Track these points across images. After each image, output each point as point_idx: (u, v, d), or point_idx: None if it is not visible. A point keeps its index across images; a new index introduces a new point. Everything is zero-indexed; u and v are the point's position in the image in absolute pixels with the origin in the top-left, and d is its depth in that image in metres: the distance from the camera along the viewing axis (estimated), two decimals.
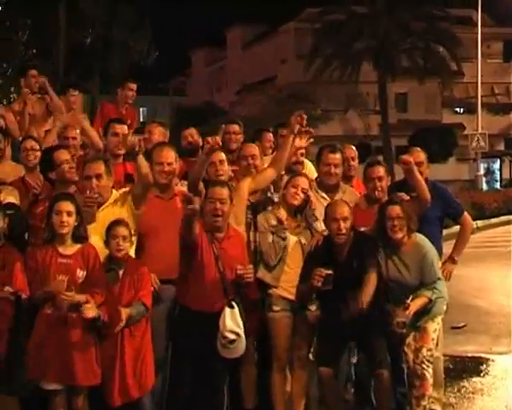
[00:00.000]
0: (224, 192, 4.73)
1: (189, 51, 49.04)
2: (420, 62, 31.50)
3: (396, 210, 4.85)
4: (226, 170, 5.28)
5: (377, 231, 4.96)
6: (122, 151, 5.44)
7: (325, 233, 4.97)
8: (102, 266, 4.59)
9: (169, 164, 5.01)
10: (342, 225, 4.78)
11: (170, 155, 5.06)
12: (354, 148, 5.91)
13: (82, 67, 26.87)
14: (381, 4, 31.27)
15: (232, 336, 4.61)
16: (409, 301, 4.83)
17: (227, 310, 4.64)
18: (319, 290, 4.75)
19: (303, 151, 5.67)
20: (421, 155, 5.54)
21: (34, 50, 26.29)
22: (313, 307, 4.96)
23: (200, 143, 6.01)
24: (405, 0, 31.11)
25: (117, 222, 4.63)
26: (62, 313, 4.37)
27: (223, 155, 5.30)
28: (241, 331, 4.65)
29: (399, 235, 4.86)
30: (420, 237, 4.99)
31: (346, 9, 31.30)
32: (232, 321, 4.62)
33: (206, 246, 4.69)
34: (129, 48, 27.74)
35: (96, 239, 4.68)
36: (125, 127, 5.67)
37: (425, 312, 4.93)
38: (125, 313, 4.51)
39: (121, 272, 4.61)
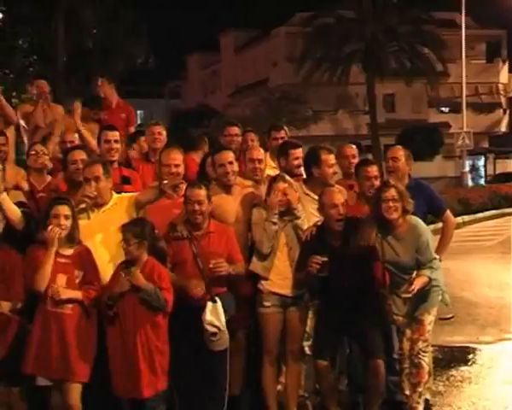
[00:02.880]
0: (201, 193, 4.80)
1: (184, 55, 49.82)
2: (407, 64, 32.11)
3: (391, 192, 4.93)
4: (235, 170, 5.25)
5: (373, 214, 5.00)
6: (115, 158, 5.59)
7: (319, 223, 5.04)
8: (119, 268, 4.62)
9: (176, 166, 5.15)
10: (341, 210, 4.89)
11: (178, 158, 5.21)
12: (354, 146, 5.98)
13: (82, 72, 27.28)
14: (367, 9, 32.04)
15: (213, 330, 4.68)
16: (413, 275, 4.88)
17: (209, 305, 4.71)
18: (316, 277, 4.80)
19: (300, 161, 5.58)
20: (398, 152, 5.64)
21: (35, 57, 26.96)
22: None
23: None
24: (391, 4, 32.04)
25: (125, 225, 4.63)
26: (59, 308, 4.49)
27: (232, 155, 5.28)
28: (222, 325, 4.70)
29: (395, 215, 4.92)
30: (415, 219, 5.03)
31: (334, 14, 32.00)
32: (213, 315, 4.68)
33: (185, 244, 4.78)
34: (127, 53, 27.96)
35: (97, 238, 4.81)
36: (117, 133, 5.71)
37: (421, 300, 4.97)
38: (141, 277, 4.49)
39: (138, 271, 4.55)
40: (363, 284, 4.90)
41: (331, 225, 4.93)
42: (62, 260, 4.56)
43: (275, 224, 4.99)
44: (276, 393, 5.18)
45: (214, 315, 4.70)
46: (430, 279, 4.92)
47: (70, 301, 4.53)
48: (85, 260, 4.64)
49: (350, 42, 31.80)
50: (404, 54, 32.27)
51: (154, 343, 4.56)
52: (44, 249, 4.53)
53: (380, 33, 31.42)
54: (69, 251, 4.62)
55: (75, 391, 4.53)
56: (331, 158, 5.46)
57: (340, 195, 4.97)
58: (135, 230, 4.55)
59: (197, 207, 4.79)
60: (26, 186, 5.58)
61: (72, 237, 4.63)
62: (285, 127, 6.47)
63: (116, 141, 5.63)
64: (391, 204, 4.91)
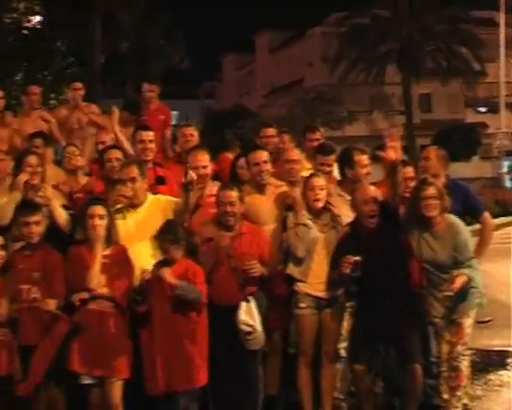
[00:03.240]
0: (232, 195, 4.83)
1: (219, 56, 50.09)
2: (443, 63, 31.84)
3: (430, 190, 4.87)
4: (269, 169, 5.27)
5: (410, 211, 4.94)
6: (149, 157, 5.59)
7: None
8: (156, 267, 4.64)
9: (204, 167, 5.23)
10: (374, 207, 4.81)
11: (204, 159, 5.31)
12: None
13: (118, 74, 27.57)
14: (403, 8, 31.86)
15: (247, 329, 4.72)
16: (454, 273, 4.77)
17: (242, 304, 4.76)
18: (349, 277, 4.74)
19: (325, 167, 5.50)
20: (429, 152, 5.58)
21: (72, 59, 27.36)
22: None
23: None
24: (428, 3, 31.64)
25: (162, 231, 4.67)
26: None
27: (266, 155, 5.31)
28: (257, 324, 4.74)
29: (433, 213, 4.86)
30: (453, 217, 4.97)
31: (370, 13, 31.90)
32: (247, 315, 4.73)
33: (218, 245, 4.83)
34: (162, 54, 28.27)
35: (134, 238, 4.81)
36: (151, 133, 5.68)
37: (459, 301, 4.89)
38: (171, 275, 4.52)
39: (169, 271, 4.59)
40: (399, 283, 4.83)
41: (364, 221, 4.86)
42: (102, 260, 4.60)
43: (304, 225, 4.98)
44: (311, 394, 5.15)
45: (248, 315, 4.74)
46: (470, 279, 4.84)
47: (106, 298, 4.58)
48: (122, 259, 4.67)
49: (385, 41, 31.67)
50: (441, 53, 32.01)
51: (189, 340, 4.56)
52: (84, 248, 4.62)
53: (416, 32, 31.18)
54: (107, 250, 4.65)
55: (117, 389, 4.56)
56: (364, 159, 5.43)
57: (373, 191, 4.91)
58: (169, 238, 4.59)
59: (229, 208, 4.82)
60: (66, 188, 5.65)
61: (109, 237, 4.66)
62: (320, 128, 6.44)
63: (151, 141, 5.61)
64: (430, 202, 4.85)
